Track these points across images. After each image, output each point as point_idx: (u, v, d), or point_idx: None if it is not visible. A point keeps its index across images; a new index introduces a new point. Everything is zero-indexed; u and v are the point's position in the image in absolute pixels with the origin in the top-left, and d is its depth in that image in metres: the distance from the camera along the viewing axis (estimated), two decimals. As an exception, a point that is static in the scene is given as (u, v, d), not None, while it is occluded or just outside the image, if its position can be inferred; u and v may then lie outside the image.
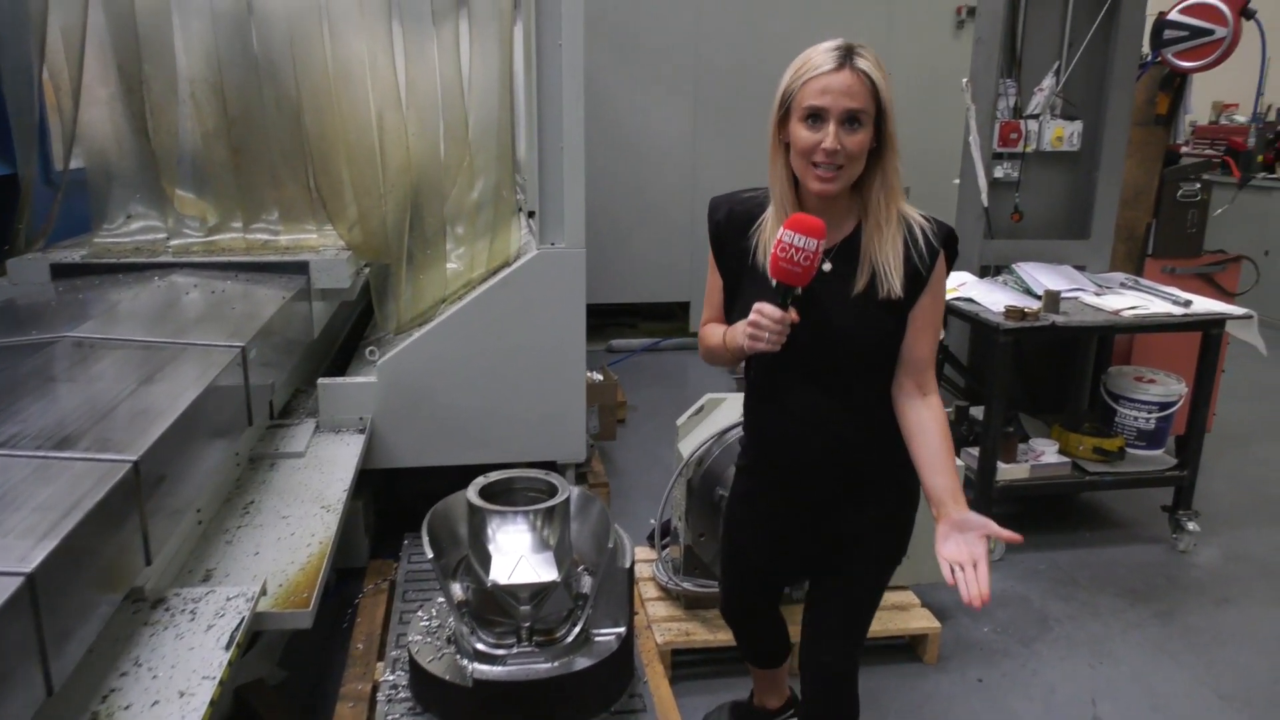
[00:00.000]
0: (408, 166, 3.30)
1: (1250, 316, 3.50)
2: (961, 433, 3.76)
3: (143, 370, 2.10)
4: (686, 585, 2.90)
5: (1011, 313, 3.32)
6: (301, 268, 3.13)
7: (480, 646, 2.02)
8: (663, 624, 2.85)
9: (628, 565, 2.06)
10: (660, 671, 2.61)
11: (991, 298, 3.54)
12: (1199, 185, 4.07)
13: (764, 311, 1.64)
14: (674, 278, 6.44)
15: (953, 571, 1.64)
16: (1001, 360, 3.37)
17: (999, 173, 3.87)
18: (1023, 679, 2.89)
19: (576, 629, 2.05)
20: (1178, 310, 3.47)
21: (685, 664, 2.84)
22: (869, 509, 1.90)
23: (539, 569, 1.97)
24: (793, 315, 1.65)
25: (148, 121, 3.15)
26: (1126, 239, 4.16)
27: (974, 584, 1.60)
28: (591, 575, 2.09)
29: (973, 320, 3.47)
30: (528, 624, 2.01)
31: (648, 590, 3.00)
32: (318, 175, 3.27)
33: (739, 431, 2.78)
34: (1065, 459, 3.66)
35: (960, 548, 1.66)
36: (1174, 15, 3.89)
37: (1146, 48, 3.97)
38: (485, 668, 1.99)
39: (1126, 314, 3.41)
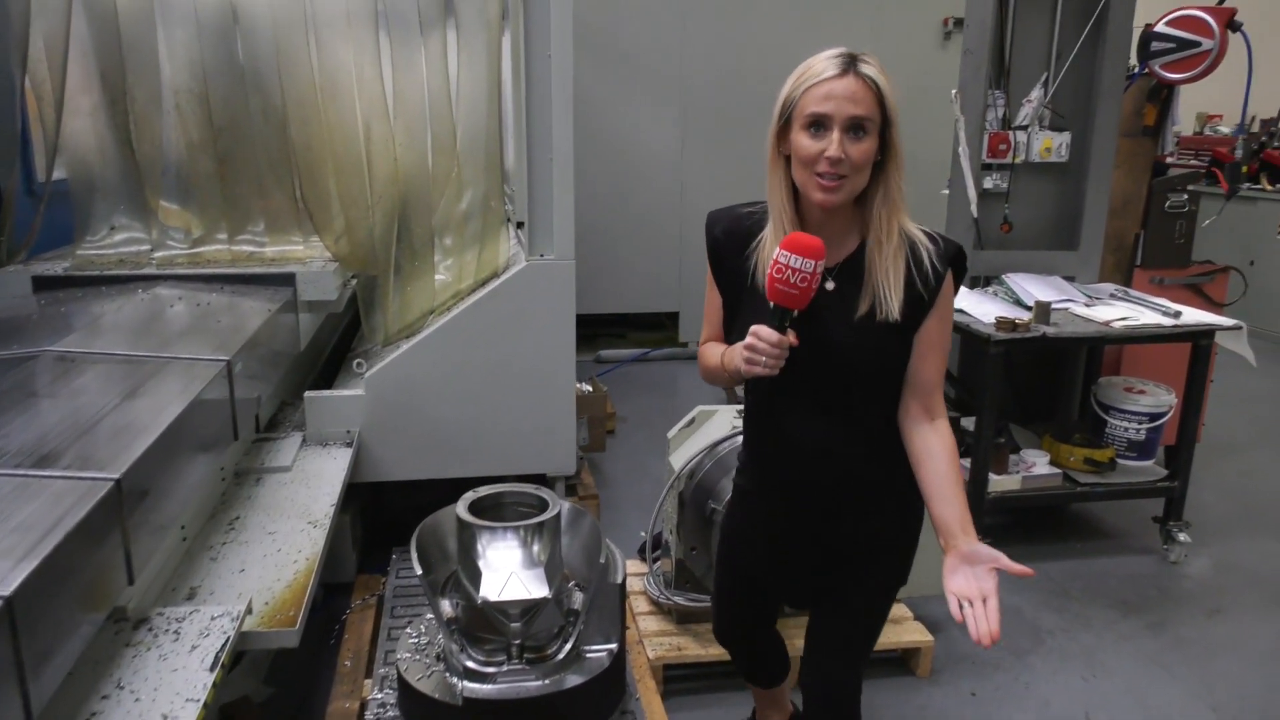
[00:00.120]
0: (395, 177, 3.27)
1: (1240, 327, 3.51)
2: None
3: (126, 385, 2.07)
4: (678, 599, 2.88)
5: (1002, 324, 3.32)
6: (288, 279, 3.10)
7: (470, 664, 1.99)
8: (654, 639, 2.82)
9: (619, 581, 2.03)
10: (652, 687, 2.58)
11: (982, 309, 3.54)
12: (1186, 196, 4.08)
13: (761, 335, 1.57)
14: (663, 287, 6.43)
15: (961, 607, 1.55)
16: (992, 371, 3.37)
17: (988, 184, 3.88)
18: (1016, 692, 2.87)
19: (568, 646, 2.02)
20: (1168, 321, 3.48)
21: (677, 679, 2.81)
22: (871, 523, 1.84)
23: (530, 585, 1.94)
24: (791, 339, 1.58)
25: (131, 132, 3.12)
26: (1115, 250, 4.17)
27: (983, 621, 1.52)
28: (583, 591, 2.07)
29: (963, 331, 3.47)
30: (518, 641, 1.97)
31: (639, 604, 2.98)
32: (304, 186, 3.24)
33: (731, 444, 2.77)
34: (1056, 470, 3.66)
35: (969, 582, 1.57)
36: (1161, 27, 3.91)
37: (1134, 59, 3.99)
38: (475, 686, 1.96)
39: (1117, 325, 3.42)
